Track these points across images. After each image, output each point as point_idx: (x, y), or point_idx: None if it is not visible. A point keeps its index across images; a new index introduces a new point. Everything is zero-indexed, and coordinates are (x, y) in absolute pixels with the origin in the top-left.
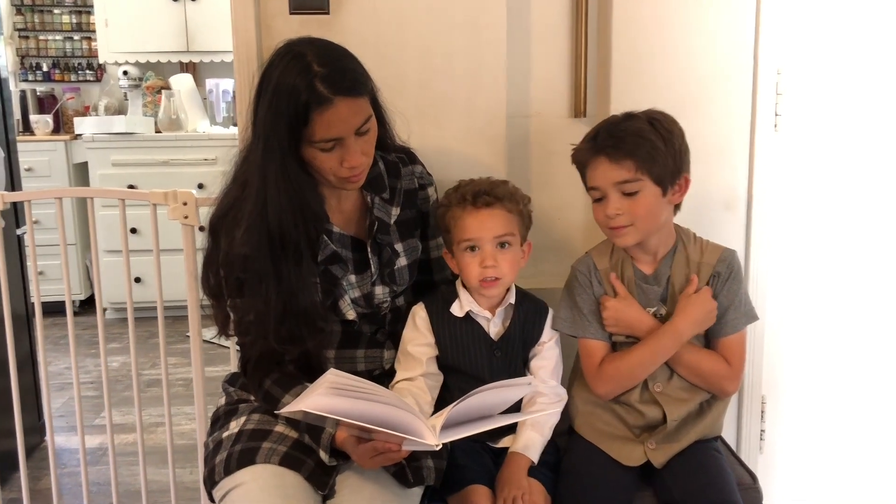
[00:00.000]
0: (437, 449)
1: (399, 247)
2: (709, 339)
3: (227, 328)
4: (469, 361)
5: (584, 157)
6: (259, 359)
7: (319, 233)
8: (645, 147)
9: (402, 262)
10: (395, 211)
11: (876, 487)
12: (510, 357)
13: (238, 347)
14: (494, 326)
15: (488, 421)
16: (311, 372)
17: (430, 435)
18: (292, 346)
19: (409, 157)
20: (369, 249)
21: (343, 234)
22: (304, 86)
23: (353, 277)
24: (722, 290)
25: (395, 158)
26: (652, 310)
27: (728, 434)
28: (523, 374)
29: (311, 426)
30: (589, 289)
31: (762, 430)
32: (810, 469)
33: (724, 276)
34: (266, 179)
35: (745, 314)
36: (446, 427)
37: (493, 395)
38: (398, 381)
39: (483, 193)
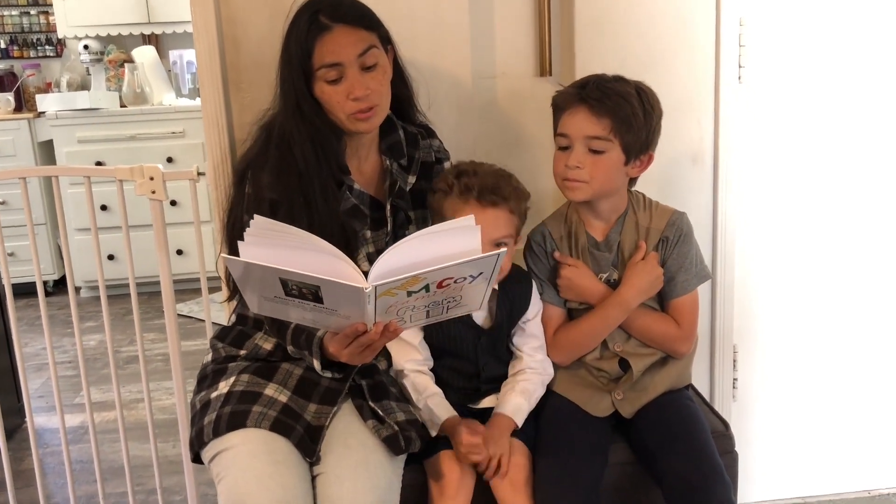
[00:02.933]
0: (367, 291)
1: (411, 214)
2: (662, 301)
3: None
4: (456, 347)
5: (565, 101)
6: None
7: (341, 182)
8: (626, 111)
9: (412, 229)
10: (412, 179)
11: (846, 430)
12: (495, 341)
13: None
14: (481, 312)
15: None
16: None
17: (361, 278)
18: None
19: (427, 132)
20: (388, 207)
21: (362, 191)
22: (308, 21)
23: (368, 233)
24: (671, 254)
25: (415, 131)
26: (604, 275)
27: (701, 383)
28: (510, 353)
29: (309, 338)
30: (544, 257)
31: (734, 379)
32: (782, 416)
33: (673, 240)
34: (286, 118)
35: (696, 275)
36: (379, 273)
37: (434, 242)
38: (409, 369)
39: (489, 191)
